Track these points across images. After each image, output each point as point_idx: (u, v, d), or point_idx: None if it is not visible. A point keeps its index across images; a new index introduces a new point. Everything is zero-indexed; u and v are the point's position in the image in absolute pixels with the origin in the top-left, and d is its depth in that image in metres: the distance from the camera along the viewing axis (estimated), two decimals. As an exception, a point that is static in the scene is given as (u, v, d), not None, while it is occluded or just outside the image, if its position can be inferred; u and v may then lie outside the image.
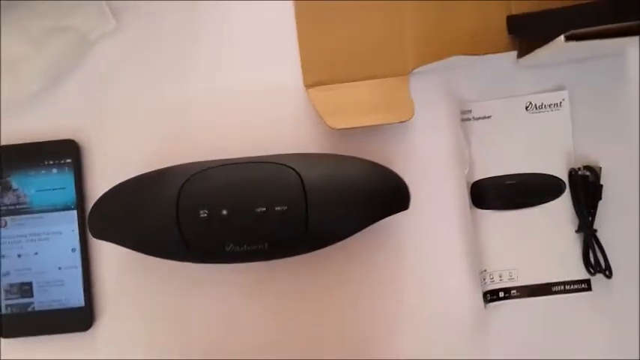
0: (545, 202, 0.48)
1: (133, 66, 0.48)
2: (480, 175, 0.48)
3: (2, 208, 0.46)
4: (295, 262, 0.44)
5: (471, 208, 0.48)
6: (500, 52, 0.46)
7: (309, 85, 0.47)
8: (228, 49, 0.48)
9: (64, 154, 0.46)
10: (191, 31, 0.48)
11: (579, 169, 0.48)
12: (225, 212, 0.40)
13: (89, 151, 0.47)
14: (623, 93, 0.48)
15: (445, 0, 0.47)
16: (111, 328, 0.47)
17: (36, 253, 0.46)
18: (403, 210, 0.44)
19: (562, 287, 0.48)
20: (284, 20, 0.47)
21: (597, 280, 0.47)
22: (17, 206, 0.46)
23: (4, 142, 0.47)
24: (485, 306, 0.47)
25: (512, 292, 0.48)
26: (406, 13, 0.47)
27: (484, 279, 0.48)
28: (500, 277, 0.48)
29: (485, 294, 0.48)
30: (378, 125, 0.45)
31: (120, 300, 0.47)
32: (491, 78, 0.48)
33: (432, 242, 0.47)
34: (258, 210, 0.40)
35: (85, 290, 0.46)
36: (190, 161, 0.43)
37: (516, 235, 0.48)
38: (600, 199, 0.47)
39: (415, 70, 0.47)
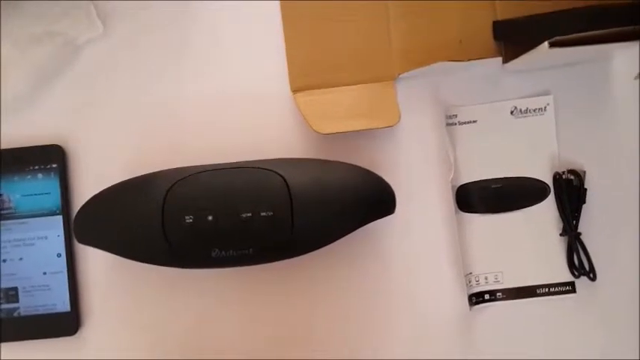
0: (530, 206, 0.48)
1: (119, 71, 0.47)
2: (466, 179, 0.48)
3: (-13, 213, 0.46)
4: (281, 266, 0.44)
5: (456, 212, 0.48)
6: (486, 57, 0.46)
7: (295, 89, 0.47)
8: (215, 54, 0.48)
9: (50, 159, 0.46)
10: (178, 37, 0.48)
11: (564, 173, 0.48)
12: (210, 218, 0.40)
13: (75, 157, 0.47)
14: (608, 98, 0.49)
15: (432, 3, 0.47)
16: (97, 333, 0.47)
17: (21, 259, 0.46)
18: (389, 214, 0.44)
19: (547, 289, 0.48)
20: (271, 25, 0.47)
21: (581, 282, 0.48)
22: (2, 211, 0.46)
23: (-12, 147, 0.46)
24: (470, 308, 0.48)
25: (497, 294, 0.48)
26: (393, 19, 0.47)
27: (469, 282, 0.48)
28: (485, 279, 0.48)
29: (470, 296, 0.48)
30: (364, 130, 0.45)
31: (106, 305, 0.47)
32: (476, 83, 0.48)
33: (417, 246, 0.48)
34: (244, 215, 0.40)
35: (70, 295, 0.46)
36: (176, 166, 0.43)
37: (501, 238, 0.48)
38: (584, 202, 0.48)
39: (401, 76, 0.47)
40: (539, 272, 0.48)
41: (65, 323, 0.46)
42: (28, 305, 0.46)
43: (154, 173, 0.43)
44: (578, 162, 0.49)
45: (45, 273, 0.46)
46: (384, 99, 0.46)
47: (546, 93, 0.49)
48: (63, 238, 0.46)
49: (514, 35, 0.46)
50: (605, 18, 0.38)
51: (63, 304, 0.46)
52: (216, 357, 0.46)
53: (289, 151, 0.47)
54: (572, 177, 0.48)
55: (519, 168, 0.48)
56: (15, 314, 0.46)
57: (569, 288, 0.48)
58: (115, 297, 0.47)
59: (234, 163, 0.43)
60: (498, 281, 0.48)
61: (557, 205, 0.48)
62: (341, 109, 0.46)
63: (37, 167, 0.46)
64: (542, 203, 0.48)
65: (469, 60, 0.45)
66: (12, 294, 0.46)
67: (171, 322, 0.47)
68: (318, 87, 0.47)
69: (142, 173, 0.43)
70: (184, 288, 0.47)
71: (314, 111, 0.45)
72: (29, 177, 0.46)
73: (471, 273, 0.48)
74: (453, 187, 0.48)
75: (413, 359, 0.47)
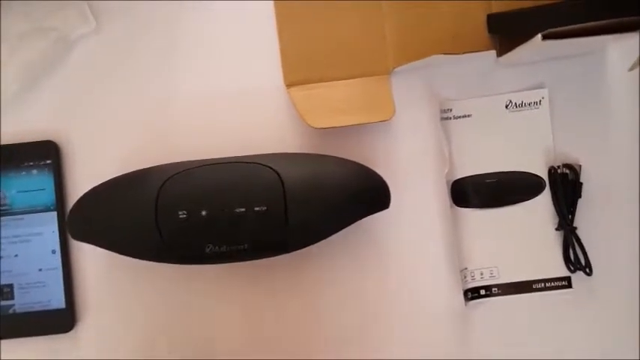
0: (526, 200, 0.48)
1: (112, 67, 0.47)
2: (461, 173, 0.48)
3: (-18, 209, 0.46)
4: (276, 262, 0.44)
5: (451, 206, 0.48)
6: (481, 50, 0.46)
7: (289, 84, 0.47)
8: (208, 49, 0.48)
9: (44, 155, 0.46)
10: (171, 32, 0.48)
11: (559, 167, 0.48)
12: (204, 213, 0.40)
13: (69, 153, 0.47)
14: (603, 90, 0.49)
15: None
16: (93, 330, 0.46)
17: (16, 255, 0.46)
18: (384, 209, 0.44)
19: (543, 285, 0.48)
20: (264, 20, 0.47)
21: (577, 277, 0.48)
22: (-3, 208, 0.46)
23: (-18, 144, 0.46)
24: (466, 304, 0.48)
25: (493, 289, 0.48)
26: (387, 13, 0.47)
27: (465, 277, 0.48)
28: (481, 274, 0.48)
29: (466, 292, 0.48)
30: (358, 125, 0.45)
31: (101, 301, 0.47)
32: (471, 77, 0.48)
33: (412, 241, 0.47)
34: (238, 210, 0.40)
35: (66, 292, 0.46)
36: (170, 162, 0.43)
37: (497, 233, 0.48)
38: (580, 197, 0.48)
39: (396, 70, 0.47)
40: (535, 267, 0.48)
41: (60, 320, 0.46)
42: (23, 302, 0.46)
43: (147, 169, 0.43)
44: (574, 156, 0.48)
45: (40, 269, 0.46)
46: (378, 93, 0.46)
47: (541, 86, 0.48)
48: (58, 235, 0.46)
49: (508, 28, 0.46)
50: (598, 10, 0.38)
51: (58, 301, 0.46)
52: (211, 354, 0.46)
53: (283, 146, 0.47)
54: (567, 171, 0.48)
55: (514, 162, 0.48)
56: (10, 311, 0.46)
57: (565, 283, 0.48)
58: (110, 294, 0.47)
59: (227, 158, 0.43)
60: (494, 276, 0.48)
61: (553, 200, 0.48)
62: (335, 103, 0.46)
63: (31, 163, 0.46)
64: (537, 198, 0.48)
65: (464, 53, 0.45)
66: (7, 291, 0.46)
67: (166, 318, 0.47)
68: (313, 81, 0.47)
69: (136, 169, 0.43)
70: (179, 284, 0.47)
71: (308, 105, 0.45)
72: (24, 173, 0.46)
73: (466, 268, 0.48)
74: (447, 181, 0.48)
75: (408, 355, 0.47)
